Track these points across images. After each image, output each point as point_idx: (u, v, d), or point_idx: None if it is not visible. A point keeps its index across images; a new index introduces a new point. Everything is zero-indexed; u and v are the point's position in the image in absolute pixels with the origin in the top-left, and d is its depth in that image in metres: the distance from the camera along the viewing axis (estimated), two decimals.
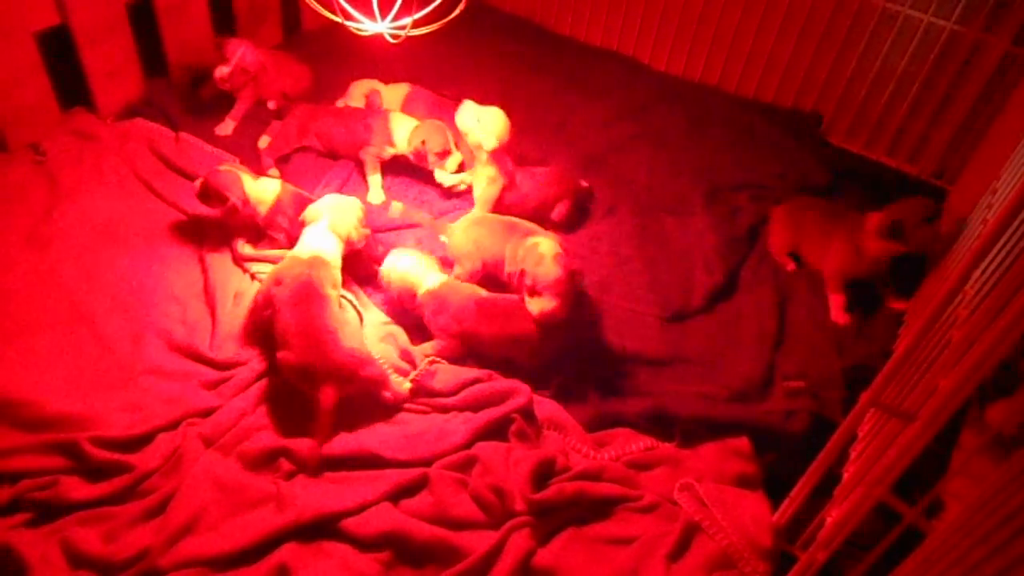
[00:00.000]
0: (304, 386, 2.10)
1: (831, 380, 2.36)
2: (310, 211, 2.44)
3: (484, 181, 2.72)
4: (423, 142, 2.83)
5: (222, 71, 2.96)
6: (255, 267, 2.55)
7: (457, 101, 2.80)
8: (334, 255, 2.36)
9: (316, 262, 2.27)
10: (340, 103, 3.15)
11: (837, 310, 2.62)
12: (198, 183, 2.54)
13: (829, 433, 1.80)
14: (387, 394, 2.17)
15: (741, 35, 3.48)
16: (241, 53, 2.96)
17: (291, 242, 2.46)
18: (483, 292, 2.39)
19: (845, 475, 1.91)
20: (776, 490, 2.04)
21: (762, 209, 3.00)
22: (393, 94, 3.17)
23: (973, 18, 2.99)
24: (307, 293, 2.18)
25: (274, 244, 2.62)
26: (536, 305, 2.23)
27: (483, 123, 2.66)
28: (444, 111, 3.06)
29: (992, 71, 3.03)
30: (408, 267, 2.41)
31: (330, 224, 2.39)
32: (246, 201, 2.54)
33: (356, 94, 3.17)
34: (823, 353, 2.47)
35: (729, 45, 3.53)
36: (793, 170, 3.20)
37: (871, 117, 3.36)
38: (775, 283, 2.71)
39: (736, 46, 3.52)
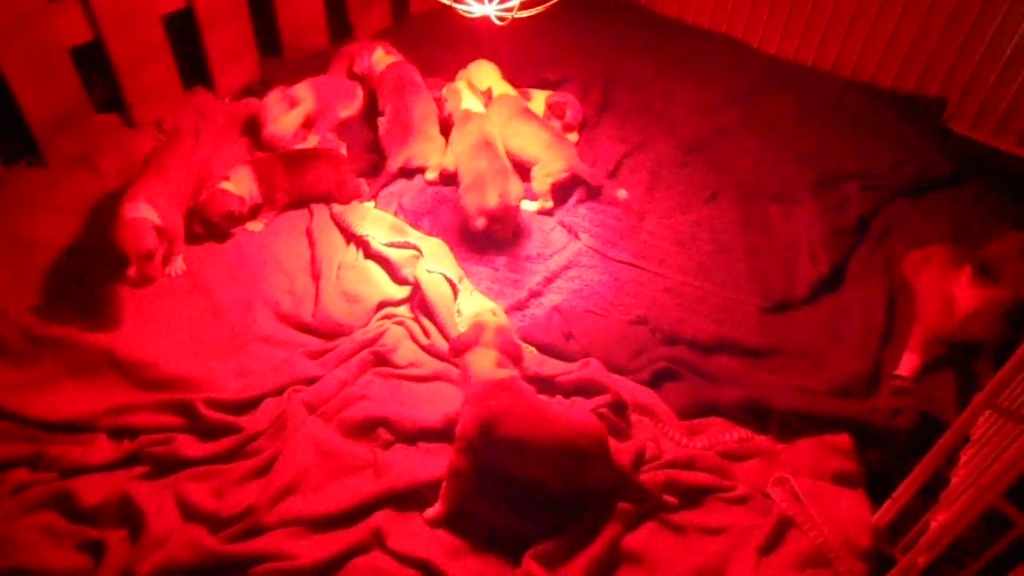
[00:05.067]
0: None
1: (943, 379, 2.25)
2: None
3: None
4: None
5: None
6: (364, 232, 2.62)
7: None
8: None
9: None
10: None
11: (907, 360, 2.25)
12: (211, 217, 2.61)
13: (938, 434, 1.72)
14: None
15: (860, 15, 3.32)
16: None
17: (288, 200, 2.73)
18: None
19: (954, 478, 1.83)
20: (878, 490, 1.97)
21: (875, 199, 2.87)
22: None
23: None
24: None
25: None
26: None
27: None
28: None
29: None
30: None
31: None
32: (243, 201, 2.63)
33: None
34: None
35: (847, 27, 3.38)
36: (911, 159, 3.04)
37: (1001, 104, 3.15)
38: (886, 277, 2.59)
39: (854, 27, 3.36)
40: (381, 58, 3.12)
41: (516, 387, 1.98)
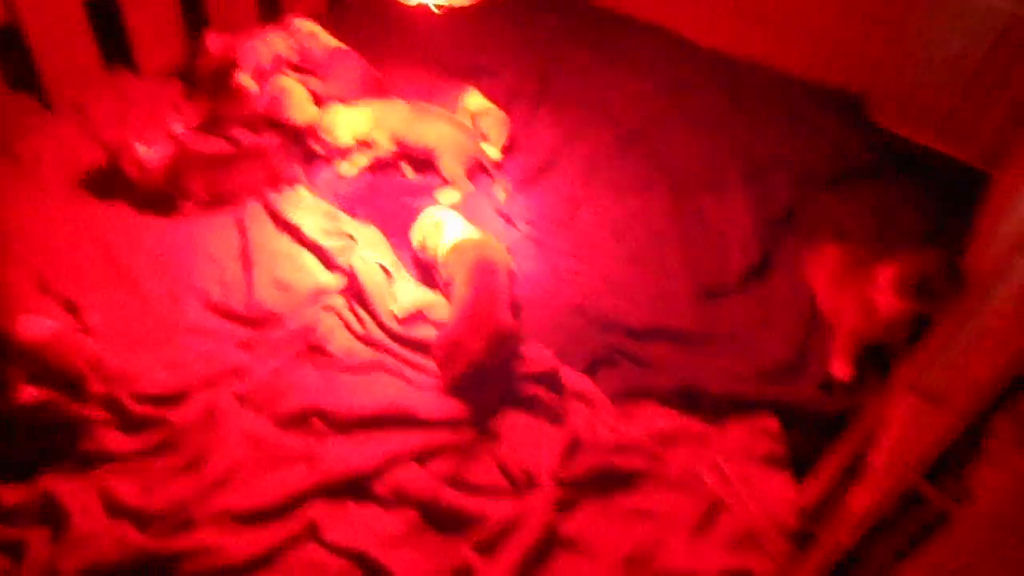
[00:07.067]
0: None
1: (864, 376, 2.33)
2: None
3: None
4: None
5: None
6: (297, 220, 2.56)
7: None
8: None
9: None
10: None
11: (840, 366, 2.29)
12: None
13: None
14: None
15: (790, 11, 3.40)
16: None
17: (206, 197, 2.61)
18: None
19: (874, 459, 1.90)
20: (803, 471, 2.04)
21: (801, 190, 2.95)
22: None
23: None
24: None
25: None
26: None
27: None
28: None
29: None
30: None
31: None
32: (141, 168, 2.55)
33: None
34: None
35: (779, 22, 3.45)
36: (836, 151, 3.13)
37: (921, 99, 3.27)
38: None
39: (785, 22, 3.44)
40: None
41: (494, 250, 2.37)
